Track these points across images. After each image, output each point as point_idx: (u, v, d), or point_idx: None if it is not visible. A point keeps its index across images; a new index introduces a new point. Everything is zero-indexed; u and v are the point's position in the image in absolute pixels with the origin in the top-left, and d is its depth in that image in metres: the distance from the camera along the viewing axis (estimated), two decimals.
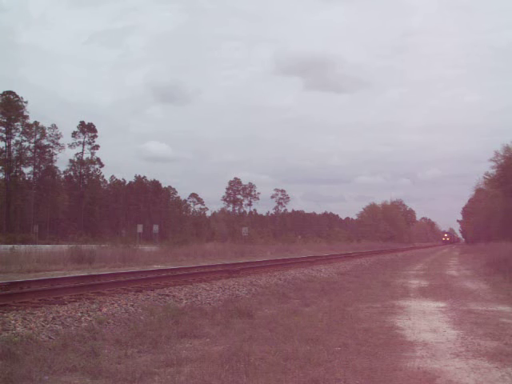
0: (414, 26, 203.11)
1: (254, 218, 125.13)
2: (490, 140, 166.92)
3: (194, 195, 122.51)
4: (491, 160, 53.73)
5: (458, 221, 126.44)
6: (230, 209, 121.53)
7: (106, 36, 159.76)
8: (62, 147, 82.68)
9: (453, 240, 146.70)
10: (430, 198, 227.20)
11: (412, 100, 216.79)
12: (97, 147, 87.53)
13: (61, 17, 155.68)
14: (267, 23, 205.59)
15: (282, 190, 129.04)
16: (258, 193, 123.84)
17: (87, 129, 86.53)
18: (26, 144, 79.27)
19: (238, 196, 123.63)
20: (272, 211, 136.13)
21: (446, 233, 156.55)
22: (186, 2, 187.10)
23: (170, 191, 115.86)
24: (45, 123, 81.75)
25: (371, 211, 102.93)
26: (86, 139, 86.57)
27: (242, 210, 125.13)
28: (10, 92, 75.29)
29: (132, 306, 9.61)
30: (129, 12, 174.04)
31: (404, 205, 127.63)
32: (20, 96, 75.99)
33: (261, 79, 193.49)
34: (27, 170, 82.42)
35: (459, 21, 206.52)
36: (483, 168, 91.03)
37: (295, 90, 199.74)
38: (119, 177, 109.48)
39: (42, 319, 7.84)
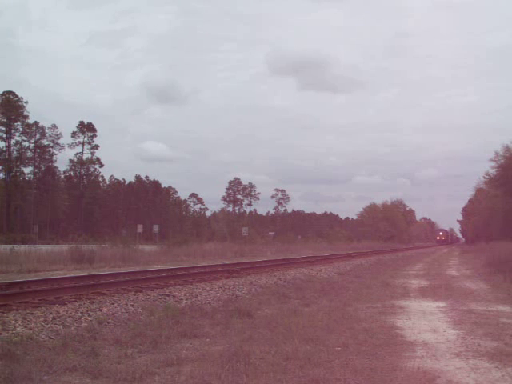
0: (410, 26, 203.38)
1: (254, 217, 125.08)
2: (487, 140, 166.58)
3: (193, 195, 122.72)
4: (491, 160, 53.92)
5: (458, 221, 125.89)
6: (230, 209, 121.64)
7: (104, 37, 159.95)
8: (61, 147, 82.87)
9: (451, 239, 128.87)
10: (429, 198, 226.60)
11: (409, 100, 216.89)
12: (96, 147, 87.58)
13: (60, 18, 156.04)
14: (263, 25, 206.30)
15: (282, 190, 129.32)
16: (258, 193, 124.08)
17: (86, 129, 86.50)
18: (25, 144, 79.49)
19: (238, 196, 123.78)
20: (272, 211, 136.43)
21: (442, 230, 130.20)
22: (183, 4, 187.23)
23: (169, 191, 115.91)
24: (45, 123, 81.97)
25: (371, 211, 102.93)
26: (86, 139, 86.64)
27: (241, 210, 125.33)
28: (10, 92, 75.34)
29: (132, 305, 9.61)
30: (127, 14, 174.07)
31: (404, 205, 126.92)
32: (20, 96, 76.20)
33: (258, 80, 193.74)
34: (27, 169, 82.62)
35: (454, 22, 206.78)
36: (482, 168, 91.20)
37: (292, 91, 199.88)
38: (118, 177, 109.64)
39: (41, 319, 7.84)
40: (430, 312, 10.29)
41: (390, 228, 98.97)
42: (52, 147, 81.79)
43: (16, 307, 8.76)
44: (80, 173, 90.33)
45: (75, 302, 9.54)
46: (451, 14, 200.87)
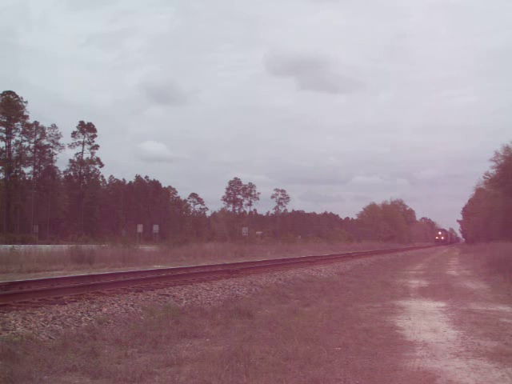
0: (410, 27, 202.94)
1: (254, 217, 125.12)
2: (487, 140, 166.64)
3: (193, 195, 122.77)
4: (491, 160, 53.96)
5: (458, 221, 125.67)
6: (230, 209, 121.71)
7: (104, 37, 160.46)
8: (61, 147, 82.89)
9: (450, 239, 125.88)
10: (429, 198, 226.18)
11: (409, 101, 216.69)
12: (96, 147, 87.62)
13: (60, 18, 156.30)
14: (262, 25, 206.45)
15: (282, 190, 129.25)
16: (258, 193, 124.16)
17: (87, 129, 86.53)
18: (25, 144, 79.50)
19: (238, 196, 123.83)
20: (272, 211, 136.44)
21: (441, 230, 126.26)
22: (182, 4, 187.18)
23: (169, 191, 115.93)
24: (45, 123, 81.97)
25: (371, 211, 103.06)
26: (86, 139, 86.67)
27: (241, 210, 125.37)
28: (10, 92, 75.32)
29: (132, 305, 9.61)
30: (127, 14, 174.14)
31: (404, 205, 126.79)
32: (20, 96, 76.19)
33: (258, 80, 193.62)
34: (27, 169, 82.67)
35: (454, 23, 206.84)
36: (482, 168, 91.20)
37: (292, 91, 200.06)
38: (118, 177, 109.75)
39: (42, 319, 7.84)
40: (430, 312, 10.29)
41: (389, 228, 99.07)
42: (52, 147, 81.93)
43: (16, 307, 8.75)
44: (80, 173, 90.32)
45: (75, 301, 9.53)
46: (451, 15, 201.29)
